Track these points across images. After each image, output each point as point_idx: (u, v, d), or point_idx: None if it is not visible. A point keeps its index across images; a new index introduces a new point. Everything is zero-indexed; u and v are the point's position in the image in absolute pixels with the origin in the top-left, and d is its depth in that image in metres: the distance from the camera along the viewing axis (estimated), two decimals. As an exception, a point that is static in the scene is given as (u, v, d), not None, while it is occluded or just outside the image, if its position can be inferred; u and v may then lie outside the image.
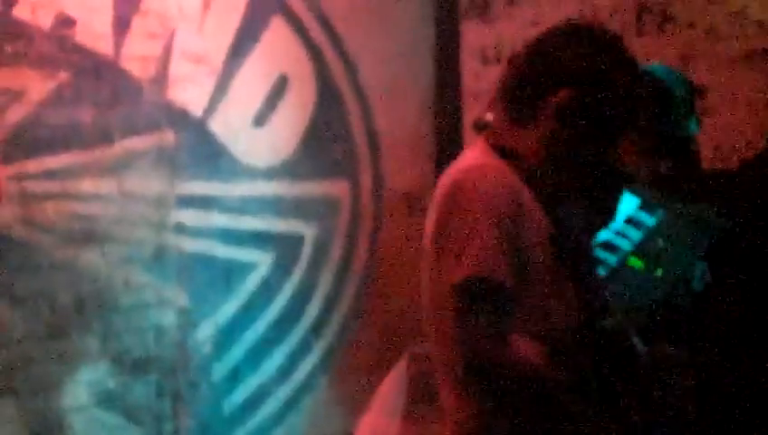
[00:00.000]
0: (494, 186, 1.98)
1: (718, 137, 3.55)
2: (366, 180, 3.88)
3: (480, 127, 2.20)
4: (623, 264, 2.55)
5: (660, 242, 2.56)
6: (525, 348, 1.99)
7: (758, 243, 2.66)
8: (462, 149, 3.95)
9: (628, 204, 2.63)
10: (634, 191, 2.62)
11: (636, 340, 2.10)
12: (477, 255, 1.94)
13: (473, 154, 2.09)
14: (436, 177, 3.96)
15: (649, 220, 2.61)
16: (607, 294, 2.18)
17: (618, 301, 2.21)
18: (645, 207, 2.60)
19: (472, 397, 2.03)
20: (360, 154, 3.86)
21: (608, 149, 2.11)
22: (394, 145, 3.92)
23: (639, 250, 2.57)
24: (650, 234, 2.58)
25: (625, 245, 2.58)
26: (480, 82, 4.01)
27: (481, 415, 2.03)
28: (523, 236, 1.99)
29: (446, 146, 4.01)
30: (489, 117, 2.16)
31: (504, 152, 2.06)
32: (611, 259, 2.53)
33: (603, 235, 2.57)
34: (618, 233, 2.59)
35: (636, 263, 2.56)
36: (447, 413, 2.10)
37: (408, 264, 3.92)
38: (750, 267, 2.66)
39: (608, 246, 2.56)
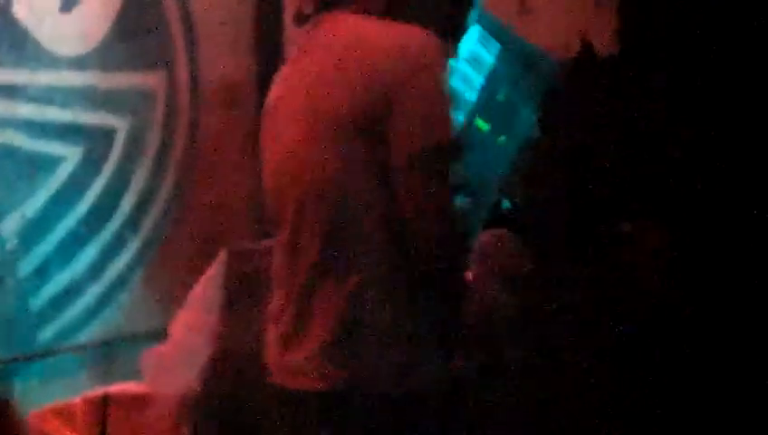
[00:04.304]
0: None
1: (537, 38, 3.58)
2: (182, 71, 3.76)
3: (303, 19, 2.13)
4: (470, 123, 2.47)
5: (501, 94, 2.48)
6: None
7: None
8: (282, 38, 3.90)
9: (470, 35, 2.52)
10: (478, 19, 2.53)
11: None
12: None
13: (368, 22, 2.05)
14: (258, 67, 3.93)
15: (487, 57, 2.53)
16: None
17: (467, 176, 2.18)
18: (482, 39, 2.52)
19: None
20: (175, 43, 3.72)
21: None
22: (212, 34, 3.80)
23: (484, 107, 2.48)
24: (490, 79, 2.49)
25: (469, 94, 2.49)
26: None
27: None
28: None
29: (267, 35, 3.90)
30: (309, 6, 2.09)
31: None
32: (458, 116, 2.43)
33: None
34: (462, 78, 2.51)
35: (482, 125, 2.48)
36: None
37: (228, 159, 3.87)
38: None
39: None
